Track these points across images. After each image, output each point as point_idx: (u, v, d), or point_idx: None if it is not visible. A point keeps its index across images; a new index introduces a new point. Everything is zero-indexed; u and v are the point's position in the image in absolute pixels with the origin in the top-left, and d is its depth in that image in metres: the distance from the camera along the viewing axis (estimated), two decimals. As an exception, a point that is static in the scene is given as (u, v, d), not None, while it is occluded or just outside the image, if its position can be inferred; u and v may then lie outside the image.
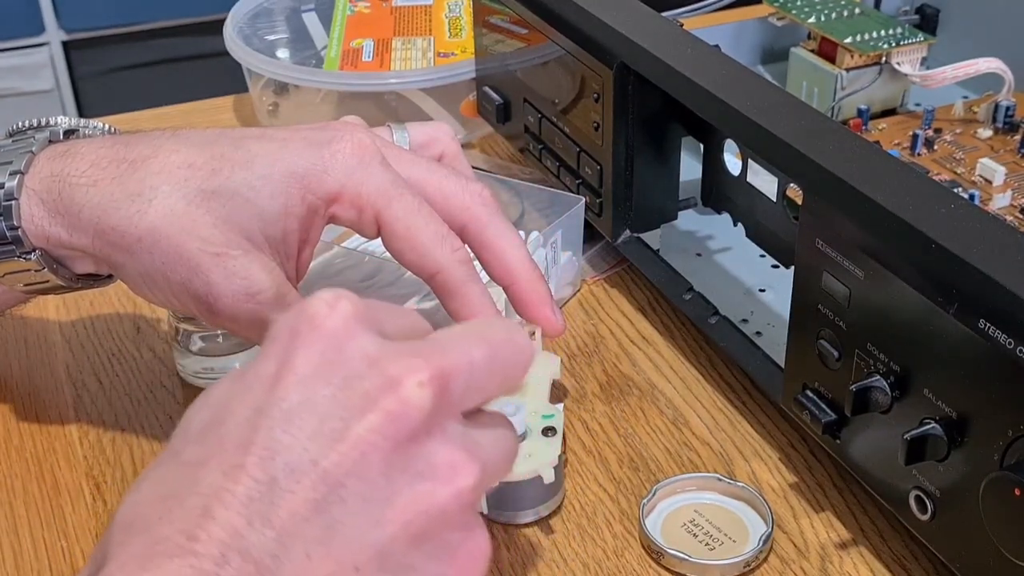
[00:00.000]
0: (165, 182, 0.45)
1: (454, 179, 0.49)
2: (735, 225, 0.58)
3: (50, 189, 0.46)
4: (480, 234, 0.49)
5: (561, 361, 0.54)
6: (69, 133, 0.50)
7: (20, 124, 0.50)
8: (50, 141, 0.48)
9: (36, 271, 0.47)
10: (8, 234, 0.46)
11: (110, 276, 0.50)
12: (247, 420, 0.32)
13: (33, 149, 0.47)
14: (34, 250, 0.46)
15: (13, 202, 0.46)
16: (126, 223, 0.45)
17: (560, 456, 0.47)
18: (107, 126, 0.52)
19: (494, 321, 0.43)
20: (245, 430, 0.31)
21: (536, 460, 0.46)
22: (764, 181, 0.54)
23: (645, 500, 0.49)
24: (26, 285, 0.48)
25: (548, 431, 0.47)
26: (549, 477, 0.46)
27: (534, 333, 0.50)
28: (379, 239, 0.48)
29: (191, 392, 0.57)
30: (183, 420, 0.34)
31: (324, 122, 0.49)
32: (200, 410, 0.34)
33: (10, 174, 0.46)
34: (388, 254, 0.48)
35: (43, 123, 0.50)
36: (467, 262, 0.48)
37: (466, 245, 0.49)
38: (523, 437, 0.47)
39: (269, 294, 0.45)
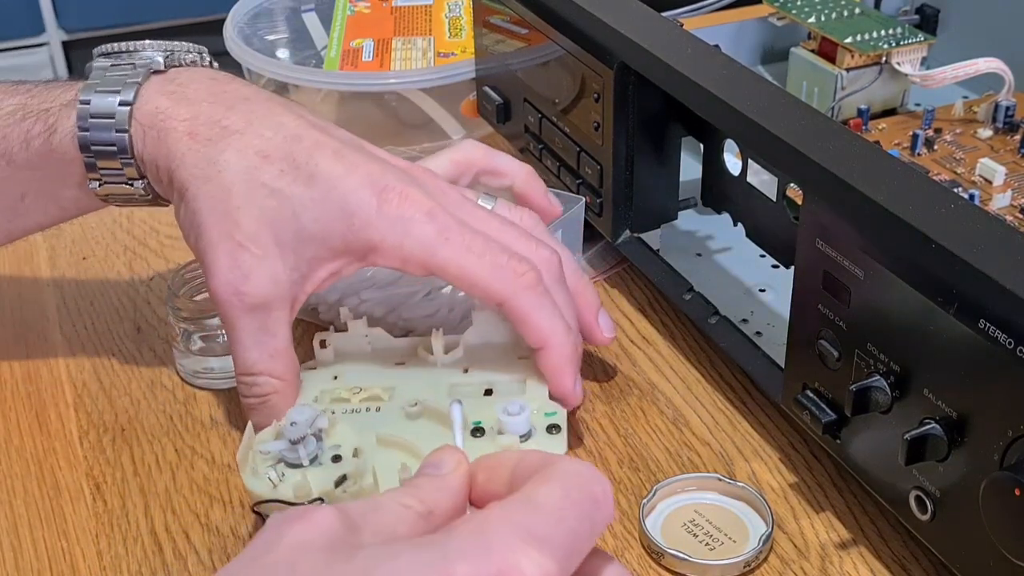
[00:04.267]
0: (238, 162, 0.48)
1: (524, 242, 0.50)
2: (735, 225, 0.58)
3: (154, 124, 0.49)
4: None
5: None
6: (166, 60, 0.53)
7: (109, 48, 0.53)
8: (153, 72, 0.51)
9: (140, 196, 0.52)
10: (122, 163, 0.50)
11: None
12: None
13: (140, 80, 0.50)
14: (142, 177, 0.51)
15: (125, 134, 0.49)
16: (189, 180, 0.48)
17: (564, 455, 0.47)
18: (199, 53, 0.55)
19: (578, 479, 0.35)
20: None
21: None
22: (764, 181, 0.54)
23: (645, 500, 0.49)
24: (123, 202, 0.52)
25: (552, 428, 0.47)
26: None
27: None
28: None
29: (191, 392, 0.57)
30: None
31: (429, 147, 0.52)
32: None
33: (120, 103, 0.50)
34: None
35: (132, 48, 0.53)
36: (533, 287, 0.48)
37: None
38: (528, 436, 0.47)
39: (253, 299, 0.47)
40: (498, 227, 0.50)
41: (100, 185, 0.51)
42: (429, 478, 0.36)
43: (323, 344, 0.52)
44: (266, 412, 0.48)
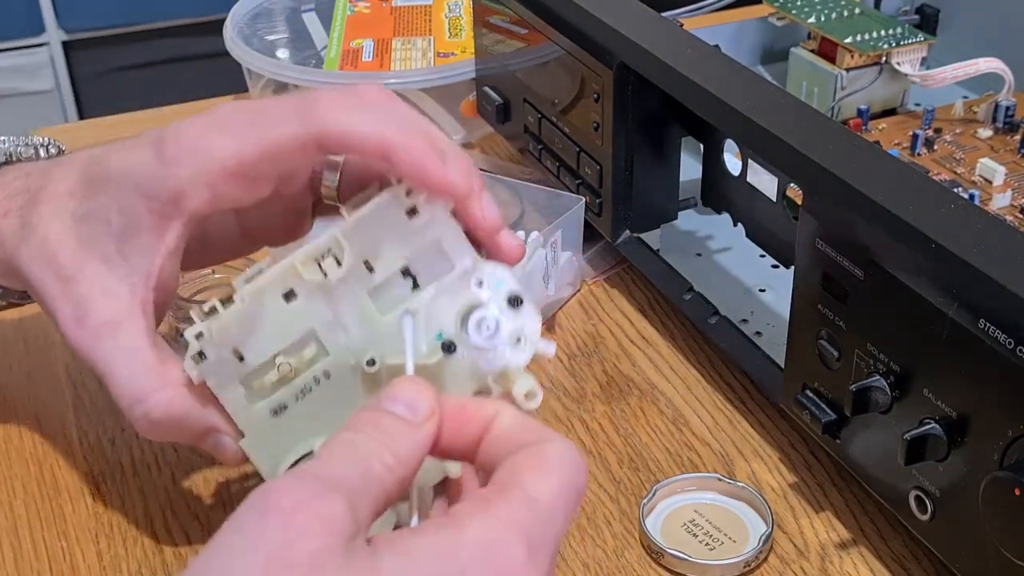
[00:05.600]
0: (49, 211, 0.45)
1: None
2: (735, 225, 0.58)
3: None
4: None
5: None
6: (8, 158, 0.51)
7: None
8: None
9: None
10: None
11: None
12: None
13: None
14: None
15: None
16: (13, 252, 0.46)
17: None
18: (47, 141, 0.53)
19: (574, 473, 0.35)
20: None
21: (529, 339, 0.42)
22: (764, 181, 0.54)
23: (645, 500, 0.49)
24: None
25: (513, 301, 0.42)
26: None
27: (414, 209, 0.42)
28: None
29: (191, 392, 0.57)
30: None
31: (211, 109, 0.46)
32: None
33: None
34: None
35: None
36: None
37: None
38: (490, 335, 0.41)
39: (96, 320, 0.44)
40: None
41: None
42: (404, 427, 0.35)
43: (198, 336, 0.43)
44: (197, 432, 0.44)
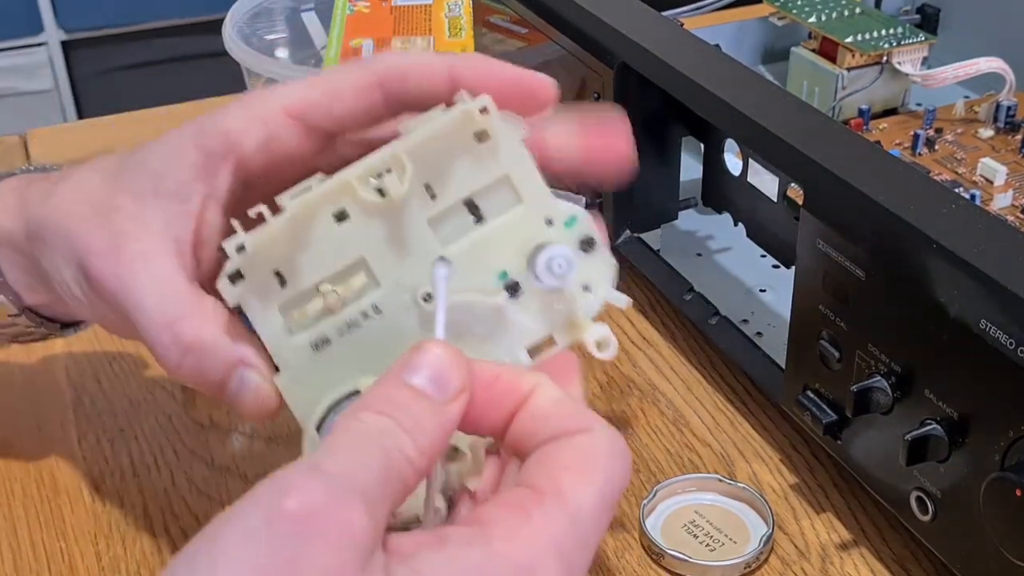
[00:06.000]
0: (86, 165, 0.43)
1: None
2: (735, 225, 0.58)
3: None
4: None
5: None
6: None
7: None
8: None
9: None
10: None
11: (70, 326, 0.49)
12: None
13: None
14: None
15: None
16: (39, 208, 0.43)
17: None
18: (49, 165, 0.51)
19: (617, 480, 0.32)
20: None
21: (601, 286, 0.38)
22: (765, 181, 0.54)
23: (645, 501, 0.49)
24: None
25: (586, 244, 0.38)
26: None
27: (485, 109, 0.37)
28: None
29: (190, 393, 0.57)
30: None
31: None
32: None
33: None
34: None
35: None
36: None
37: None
38: (562, 274, 0.37)
39: (130, 251, 0.40)
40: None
41: None
42: (429, 409, 0.31)
43: (238, 249, 0.37)
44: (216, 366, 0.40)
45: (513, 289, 0.37)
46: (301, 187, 0.37)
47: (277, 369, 0.38)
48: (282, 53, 0.83)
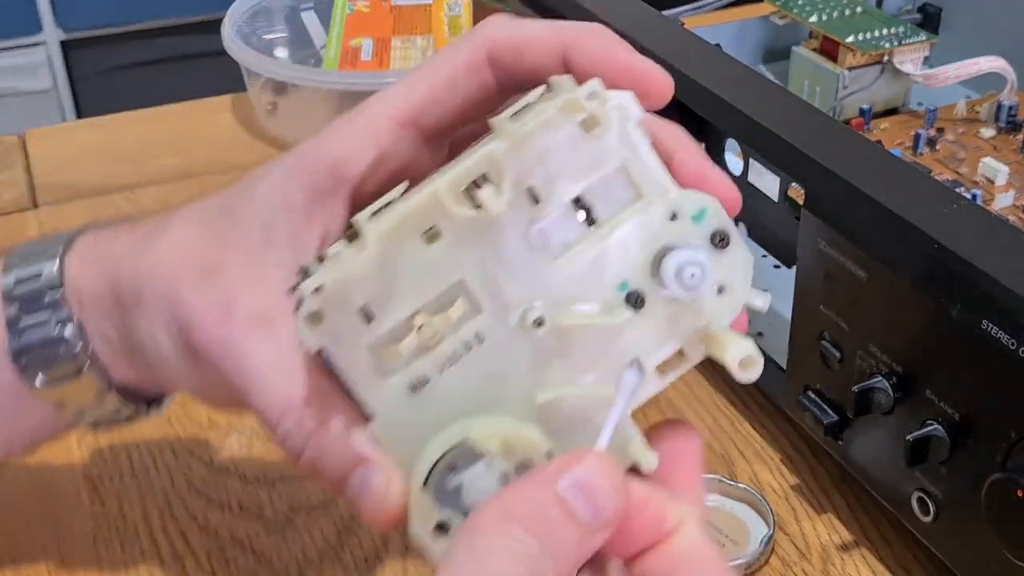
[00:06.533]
0: (180, 215, 0.39)
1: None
2: (736, 225, 0.58)
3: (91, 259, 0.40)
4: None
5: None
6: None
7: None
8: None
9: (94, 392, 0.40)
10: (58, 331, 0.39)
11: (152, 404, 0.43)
12: None
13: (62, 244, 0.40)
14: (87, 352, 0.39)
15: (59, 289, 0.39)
16: (133, 266, 0.38)
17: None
18: None
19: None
20: None
21: (737, 289, 0.33)
22: (766, 181, 0.54)
23: (646, 502, 0.49)
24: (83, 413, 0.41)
25: (718, 239, 0.33)
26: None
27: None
28: None
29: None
30: None
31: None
32: None
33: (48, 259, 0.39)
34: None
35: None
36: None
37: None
38: (695, 285, 0.32)
39: (244, 312, 0.36)
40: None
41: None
42: (577, 535, 0.29)
43: (317, 291, 0.31)
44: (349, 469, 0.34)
45: (637, 301, 0.32)
46: (380, 203, 0.32)
47: (367, 418, 0.33)
48: (281, 52, 0.83)
